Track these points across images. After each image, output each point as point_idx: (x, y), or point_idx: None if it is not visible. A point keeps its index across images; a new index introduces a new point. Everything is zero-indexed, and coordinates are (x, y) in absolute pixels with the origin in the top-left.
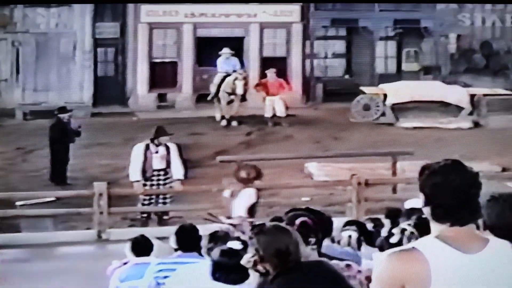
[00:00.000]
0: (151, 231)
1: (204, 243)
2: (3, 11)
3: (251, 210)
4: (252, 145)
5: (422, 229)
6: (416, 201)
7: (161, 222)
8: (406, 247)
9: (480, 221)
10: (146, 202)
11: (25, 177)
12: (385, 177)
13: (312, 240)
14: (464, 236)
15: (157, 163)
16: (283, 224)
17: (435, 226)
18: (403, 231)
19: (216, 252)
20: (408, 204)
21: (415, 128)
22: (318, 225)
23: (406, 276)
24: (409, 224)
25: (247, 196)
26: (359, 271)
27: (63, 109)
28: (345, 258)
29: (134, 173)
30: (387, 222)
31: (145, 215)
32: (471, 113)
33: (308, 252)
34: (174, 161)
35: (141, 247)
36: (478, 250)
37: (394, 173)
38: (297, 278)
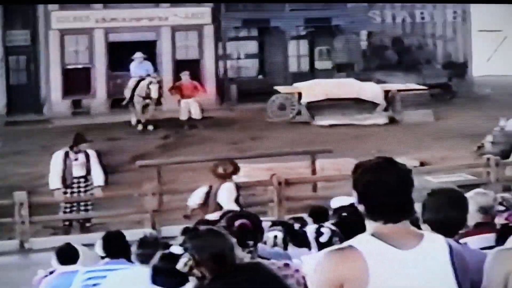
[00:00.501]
0: (74, 239)
1: (133, 249)
2: None
3: (237, 204)
4: (170, 149)
5: (345, 227)
6: (342, 199)
7: (84, 229)
8: (342, 246)
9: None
10: (67, 210)
11: None
12: (304, 176)
13: (251, 242)
14: (399, 232)
15: (77, 170)
16: (216, 228)
17: (370, 224)
18: (333, 230)
19: (156, 257)
20: (334, 203)
21: (331, 126)
22: (257, 228)
23: (344, 275)
24: (333, 223)
25: (228, 190)
26: (297, 270)
27: None
28: (276, 259)
29: (54, 181)
30: (310, 221)
31: (67, 223)
32: (386, 109)
33: (244, 255)
34: (94, 168)
35: (67, 255)
36: (413, 246)
37: (313, 172)
38: (234, 281)
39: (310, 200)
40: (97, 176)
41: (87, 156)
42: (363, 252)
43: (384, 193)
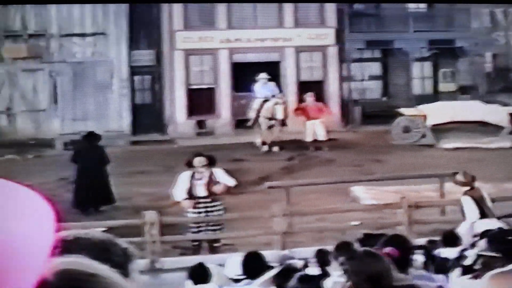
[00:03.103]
0: (203, 259)
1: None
2: (39, 42)
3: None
4: (295, 170)
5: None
6: (487, 222)
7: (213, 250)
8: (506, 269)
9: None
10: (195, 230)
11: (70, 208)
12: (433, 199)
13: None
14: None
15: (201, 190)
16: (373, 250)
17: None
18: (479, 255)
19: (294, 279)
20: (479, 226)
21: (456, 149)
22: (404, 255)
23: None
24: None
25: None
26: None
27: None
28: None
29: (179, 193)
30: (441, 244)
31: (196, 243)
32: (511, 132)
33: (401, 277)
34: (221, 176)
35: (199, 274)
36: None
37: (442, 195)
38: None
39: (439, 224)
40: (227, 180)
41: (210, 176)
42: None
43: None
